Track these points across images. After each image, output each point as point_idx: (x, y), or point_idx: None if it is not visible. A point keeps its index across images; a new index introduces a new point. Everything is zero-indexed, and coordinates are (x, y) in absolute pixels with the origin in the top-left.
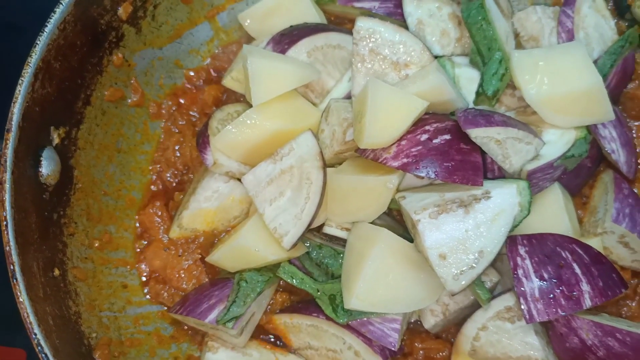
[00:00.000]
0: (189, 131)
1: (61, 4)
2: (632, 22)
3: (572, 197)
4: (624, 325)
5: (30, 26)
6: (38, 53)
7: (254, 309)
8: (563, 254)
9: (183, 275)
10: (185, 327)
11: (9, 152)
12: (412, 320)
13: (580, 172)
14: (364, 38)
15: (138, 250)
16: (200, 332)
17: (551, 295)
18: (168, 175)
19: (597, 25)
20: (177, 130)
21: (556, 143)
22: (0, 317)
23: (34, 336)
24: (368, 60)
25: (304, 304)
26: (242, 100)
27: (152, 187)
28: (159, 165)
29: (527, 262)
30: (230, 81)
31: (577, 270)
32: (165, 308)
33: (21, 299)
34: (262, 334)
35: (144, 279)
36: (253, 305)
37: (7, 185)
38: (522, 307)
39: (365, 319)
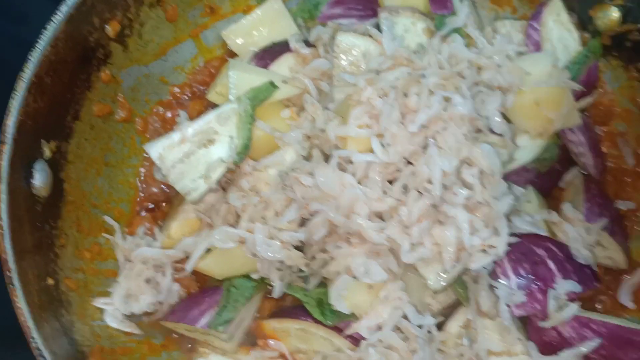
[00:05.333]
0: None
1: (53, 21)
2: (595, 34)
3: (545, 199)
4: (598, 317)
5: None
6: (31, 68)
7: (244, 315)
8: (538, 252)
9: None
10: (176, 336)
11: (4, 164)
12: None
13: (551, 176)
14: (344, 51)
15: None
16: (190, 340)
17: (528, 291)
18: (154, 188)
19: (562, 38)
20: None
21: (528, 147)
22: None
23: (32, 339)
24: (348, 72)
25: (292, 309)
26: None
27: (139, 199)
28: (145, 178)
29: (505, 260)
30: (214, 95)
31: (552, 266)
32: None
33: (19, 304)
34: (251, 339)
35: None
36: (243, 310)
37: (4, 196)
38: (501, 303)
39: (352, 320)
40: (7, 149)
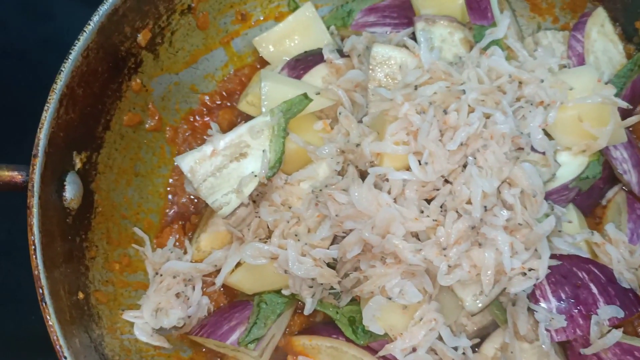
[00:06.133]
0: None
1: (85, 31)
2: None
3: (585, 218)
4: None
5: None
6: (63, 79)
7: (274, 331)
8: (579, 274)
9: None
10: (204, 349)
11: (36, 177)
12: None
13: (592, 193)
14: (380, 64)
15: None
16: (219, 355)
17: (569, 316)
18: (184, 199)
19: (606, 50)
20: None
21: (570, 165)
22: (11, 341)
23: (64, 359)
24: (384, 85)
25: (323, 325)
26: None
27: (168, 210)
28: (175, 189)
29: (544, 282)
30: (245, 105)
31: (594, 290)
32: None
33: (50, 323)
34: (281, 355)
35: None
36: (273, 327)
37: (35, 210)
38: (541, 327)
39: (386, 340)
40: (38, 162)
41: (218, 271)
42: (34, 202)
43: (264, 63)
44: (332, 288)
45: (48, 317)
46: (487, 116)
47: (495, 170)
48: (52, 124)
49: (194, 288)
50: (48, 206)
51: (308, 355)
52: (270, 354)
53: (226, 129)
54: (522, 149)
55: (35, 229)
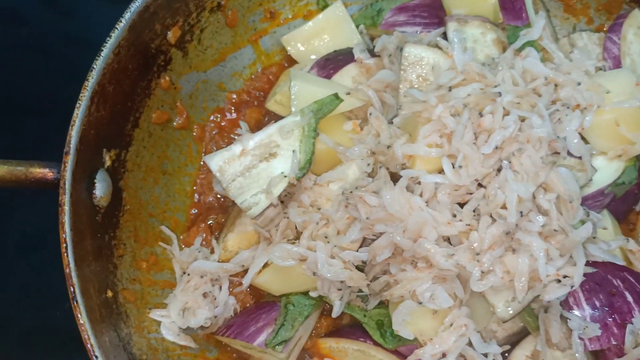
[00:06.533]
0: None
1: (116, 28)
2: None
3: (619, 224)
4: None
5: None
6: (95, 77)
7: (301, 333)
8: (614, 282)
9: None
10: (230, 350)
11: (68, 175)
12: None
13: (627, 199)
14: (412, 64)
15: None
16: (244, 355)
17: (603, 324)
18: (210, 197)
19: None
20: None
21: (606, 170)
22: (36, 336)
23: (95, 359)
24: (416, 86)
25: (350, 328)
26: None
27: (195, 210)
28: (201, 187)
29: (578, 290)
30: (274, 104)
31: (629, 299)
32: None
33: (82, 321)
34: (307, 357)
35: None
36: (300, 328)
37: (67, 208)
38: (574, 336)
39: (414, 345)
40: (70, 159)
41: (245, 271)
42: (66, 199)
43: (291, 62)
44: (360, 291)
45: (79, 315)
46: (522, 119)
47: (531, 174)
48: (83, 121)
49: (220, 288)
50: (79, 204)
51: (334, 358)
52: (297, 356)
53: (253, 127)
54: (559, 153)
55: (67, 227)
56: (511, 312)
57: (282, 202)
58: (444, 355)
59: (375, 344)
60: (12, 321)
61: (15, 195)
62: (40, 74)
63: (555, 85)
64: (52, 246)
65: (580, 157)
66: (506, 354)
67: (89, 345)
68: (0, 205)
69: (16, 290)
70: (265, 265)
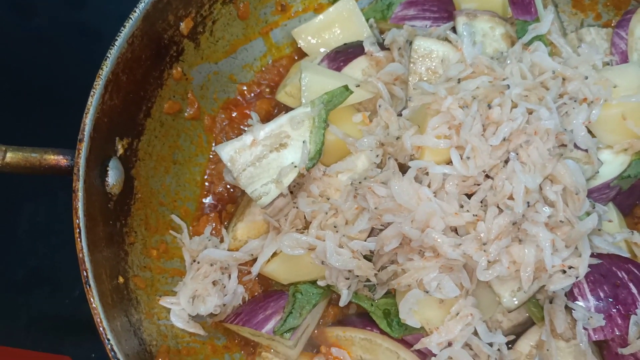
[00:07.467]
0: None
1: (130, 18)
2: None
3: (624, 217)
4: None
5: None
6: (109, 66)
7: (309, 321)
8: (619, 274)
9: None
10: (238, 338)
11: (81, 162)
12: None
13: (632, 192)
14: (422, 57)
15: None
16: (252, 343)
17: (607, 315)
18: (220, 187)
19: None
20: None
21: (612, 163)
22: (45, 323)
23: (107, 342)
24: (425, 78)
25: (357, 317)
26: None
27: (205, 199)
28: (211, 177)
29: (583, 280)
30: (284, 96)
31: (634, 290)
32: None
33: (94, 305)
34: (314, 346)
35: None
36: (308, 317)
37: (80, 194)
38: (579, 326)
39: (421, 334)
40: (84, 146)
41: (253, 260)
42: (80, 185)
43: (302, 54)
44: (367, 280)
45: (92, 299)
46: (530, 112)
47: (538, 166)
48: (97, 110)
49: (230, 276)
50: (92, 191)
51: (341, 347)
52: (304, 344)
53: (263, 119)
54: (566, 145)
55: (80, 213)
56: (517, 302)
57: (291, 192)
58: (449, 343)
59: (382, 332)
60: (21, 308)
61: (25, 182)
62: (54, 63)
63: (563, 78)
64: (61, 234)
65: (586, 150)
66: (510, 345)
67: (101, 329)
68: (10, 194)
69: (25, 278)
70: (274, 254)
